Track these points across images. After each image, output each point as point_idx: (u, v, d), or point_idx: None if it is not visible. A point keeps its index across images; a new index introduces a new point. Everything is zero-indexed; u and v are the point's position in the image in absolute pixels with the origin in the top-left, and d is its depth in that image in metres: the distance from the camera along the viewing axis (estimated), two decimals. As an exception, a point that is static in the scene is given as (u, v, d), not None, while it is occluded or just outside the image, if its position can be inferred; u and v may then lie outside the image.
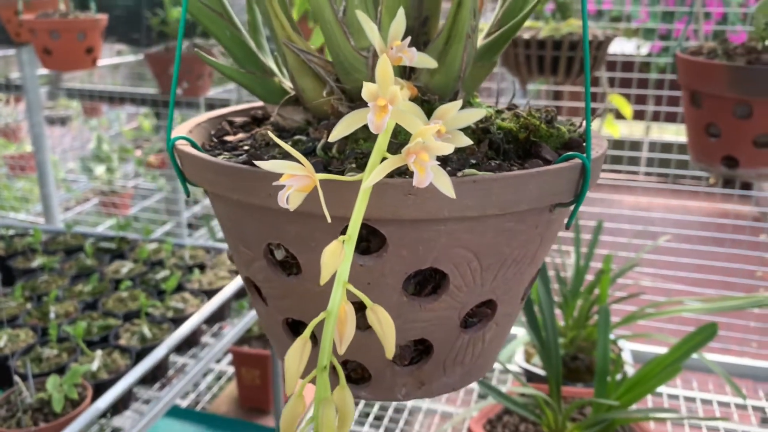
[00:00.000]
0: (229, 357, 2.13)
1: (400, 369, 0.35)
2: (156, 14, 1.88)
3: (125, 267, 1.50)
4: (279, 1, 0.32)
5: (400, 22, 0.28)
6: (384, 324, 0.24)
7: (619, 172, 2.05)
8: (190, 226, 2.75)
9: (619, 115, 2.02)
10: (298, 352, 0.23)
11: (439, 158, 0.26)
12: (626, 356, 1.58)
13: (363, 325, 0.34)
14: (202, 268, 1.52)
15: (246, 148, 0.35)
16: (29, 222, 2.32)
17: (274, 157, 0.32)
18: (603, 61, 1.61)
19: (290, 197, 0.25)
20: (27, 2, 1.80)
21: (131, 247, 1.61)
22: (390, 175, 0.28)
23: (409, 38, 0.28)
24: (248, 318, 1.51)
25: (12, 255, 1.57)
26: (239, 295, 1.52)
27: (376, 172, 0.24)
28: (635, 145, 2.05)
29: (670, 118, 1.99)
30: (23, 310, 1.32)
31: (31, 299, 1.37)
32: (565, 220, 0.34)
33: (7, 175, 3.29)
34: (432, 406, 1.76)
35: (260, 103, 0.44)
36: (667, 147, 2.01)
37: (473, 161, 0.31)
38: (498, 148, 0.34)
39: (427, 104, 0.33)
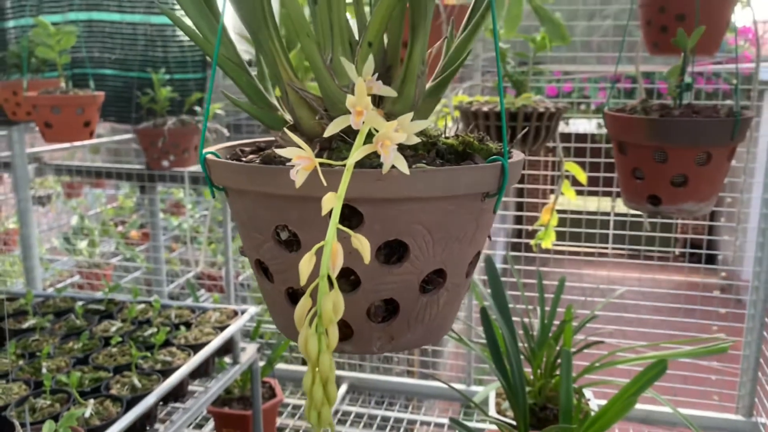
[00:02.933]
0: (211, 425, 2.16)
1: (375, 325, 0.46)
2: (146, 93, 2.03)
3: (114, 326, 1.57)
4: (284, 54, 0.45)
5: (369, 63, 0.41)
6: (363, 242, 0.35)
7: (581, 245, 2.19)
8: (171, 298, 2.82)
9: (575, 182, 2.19)
10: (307, 260, 0.34)
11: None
12: (593, 405, 1.67)
13: (347, 289, 0.45)
14: (188, 325, 1.60)
15: (257, 161, 0.47)
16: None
17: (281, 164, 0.44)
18: (556, 131, 1.78)
19: (298, 174, 0.37)
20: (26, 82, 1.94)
21: (119, 308, 1.69)
22: (364, 167, 0.40)
23: (377, 74, 0.41)
24: (231, 373, 1.58)
25: (2, 317, 1.63)
26: (222, 351, 1.60)
27: (358, 152, 0.37)
28: (600, 221, 2.20)
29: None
30: (16, 366, 1.38)
31: (23, 356, 1.43)
32: (493, 210, 0.47)
33: (-11, 252, 3.34)
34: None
35: (263, 138, 0.56)
36: (635, 224, 2.16)
37: (424, 162, 0.44)
38: (443, 155, 0.46)
39: (391, 125, 0.46)
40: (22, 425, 1.13)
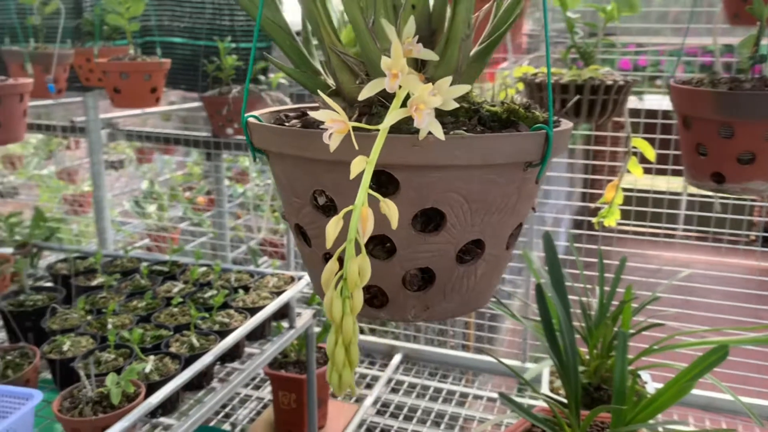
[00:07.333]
0: (269, 387, 2.21)
1: (410, 293, 0.45)
2: (212, 61, 2.06)
3: (176, 287, 1.63)
4: (327, 16, 0.45)
5: (410, 25, 0.40)
6: (391, 208, 0.35)
7: (657, 228, 2.12)
8: (235, 263, 2.90)
9: (644, 159, 2.11)
10: (334, 223, 0.34)
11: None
12: (650, 389, 1.63)
13: (382, 256, 0.45)
14: (246, 289, 1.64)
15: (299, 125, 0.47)
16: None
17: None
18: (624, 105, 1.71)
19: (332, 137, 0.37)
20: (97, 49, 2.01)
21: (182, 270, 1.75)
22: (402, 133, 0.40)
23: (417, 36, 0.40)
24: (287, 336, 1.61)
25: (74, 275, 1.72)
26: (278, 316, 1.63)
27: (392, 116, 0.36)
28: (668, 201, 2.12)
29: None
30: (84, 321, 1.46)
31: (91, 312, 1.50)
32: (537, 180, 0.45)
33: (65, 213, 3.51)
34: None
35: (307, 105, 0.56)
36: (705, 205, 2.05)
37: (464, 128, 0.43)
38: (485, 123, 0.45)
39: (433, 91, 0.45)
40: (87, 376, 1.20)
